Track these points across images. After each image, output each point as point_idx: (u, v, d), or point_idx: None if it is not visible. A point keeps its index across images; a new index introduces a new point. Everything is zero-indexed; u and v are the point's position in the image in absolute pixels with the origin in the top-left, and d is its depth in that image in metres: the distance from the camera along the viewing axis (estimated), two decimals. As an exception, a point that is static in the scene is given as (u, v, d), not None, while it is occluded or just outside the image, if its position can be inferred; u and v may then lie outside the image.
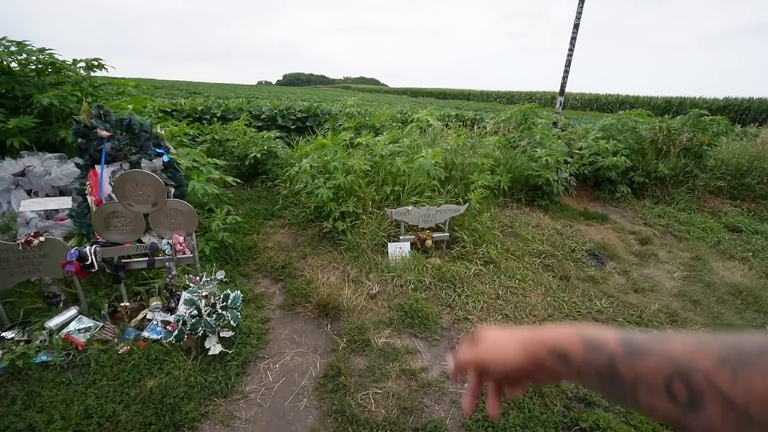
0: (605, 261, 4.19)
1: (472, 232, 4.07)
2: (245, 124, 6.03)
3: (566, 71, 6.61)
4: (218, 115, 7.27)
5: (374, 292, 3.33)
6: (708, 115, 6.50)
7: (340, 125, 5.86)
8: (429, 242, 3.81)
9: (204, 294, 2.62)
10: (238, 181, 4.34)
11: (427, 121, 4.96)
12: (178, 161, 3.39)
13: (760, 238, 5.23)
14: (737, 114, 27.16)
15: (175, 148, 3.67)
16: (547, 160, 5.08)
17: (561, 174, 5.29)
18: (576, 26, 6.30)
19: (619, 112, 6.67)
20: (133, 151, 3.17)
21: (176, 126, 5.50)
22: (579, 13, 6.56)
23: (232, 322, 2.62)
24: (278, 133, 6.58)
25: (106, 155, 3.05)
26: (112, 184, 2.83)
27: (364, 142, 4.45)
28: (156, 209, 2.75)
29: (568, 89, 7.01)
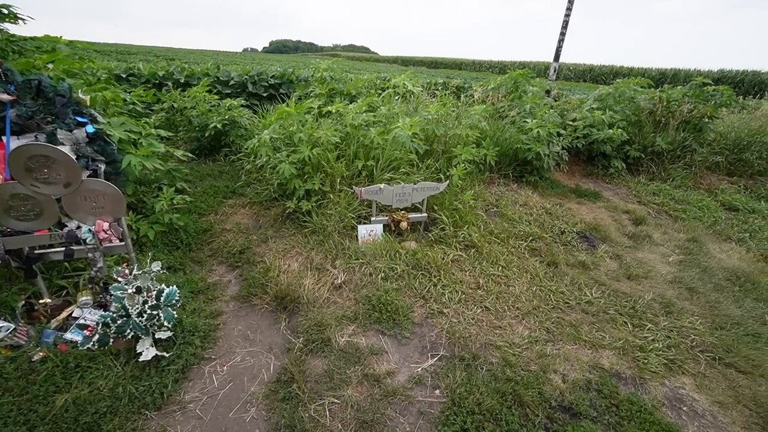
0: (597, 244, 3.88)
1: (453, 213, 3.68)
2: (208, 91, 5.42)
3: (563, 33, 6.02)
4: (182, 81, 6.60)
5: (339, 281, 2.96)
6: (711, 85, 6.06)
7: (311, 91, 5.30)
8: (404, 224, 3.42)
9: (131, 291, 2.21)
10: (189, 155, 3.84)
11: (405, 87, 4.44)
12: (109, 132, 2.89)
13: (757, 217, 4.98)
14: (731, 86, 26.73)
15: (107, 117, 3.15)
16: (538, 131, 4.64)
17: (552, 148, 4.88)
18: (575, -19, 5.67)
19: (617, 80, 6.19)
20: (48, 119, 2.66)
21: (130, 92, 4.92)
22: (579, -32, 5.92)
23: (165, 323, 2.24)
24: (246, 101, 6.01)
25: (12, 124, 2.55)
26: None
27: (335, 111, 3.95)
28: (69, 191, 2.28)
29: (561, 59, 6.45)
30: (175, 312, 2.31)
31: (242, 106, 5.45)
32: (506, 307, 2.87)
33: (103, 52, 23.71)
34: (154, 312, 2.19)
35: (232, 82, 6.74)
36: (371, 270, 3.06)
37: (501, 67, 45.86)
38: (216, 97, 5.26)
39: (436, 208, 3.71)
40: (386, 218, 3.45)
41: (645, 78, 6.55)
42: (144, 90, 5.45)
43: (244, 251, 3.39)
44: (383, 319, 2.67)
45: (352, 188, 3.49)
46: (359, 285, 2.95)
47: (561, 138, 5.12)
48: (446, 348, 2.52)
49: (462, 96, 6.49)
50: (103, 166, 2.83)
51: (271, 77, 6.96)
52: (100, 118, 2.85)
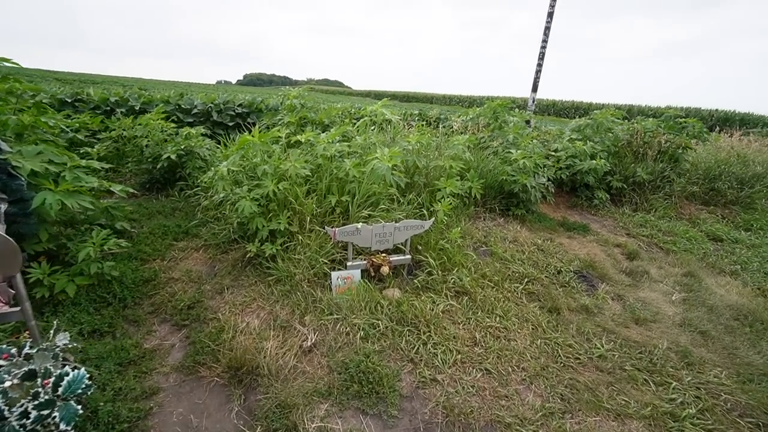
0: (596, 283, 3.54)
1: (440, 253, 3.26)
2: (165, 119, 4.91)
3: (539, 64, 6.03)
4: (137, 108, 6.05)
5: (309, 343, 2.42)
6: (683, 117, 6.16)
7: (279, 120, 4.89)
8: (385, 269, 2.95)
9: (11, 383, 1.60)
10: (130, 189, 3.27)
11: (383, 115, 4.12)
12: (16, 163, 2.32)
13: (742, 248, 4.88)
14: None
15: (21, 144, 2.58)
16: (524, 162, 4.40)
17: (538, 179, 4.63)
18: (550, 14, 5.72)
19: (595, 111, 6.18)
20: (-71, 147, 2.09)
21: (74, 119, 4.39)
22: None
23: (63, 426, 1.62)
24: (210, 131, 5.53)
25: None
26: None
27: (305, 141, 3.53)
28: (-63, 242, 1.69)
29: (526, 93, 6.44)
30: (80, 407, 1.69)
31: (205, 135, 4.96)
32: (510, 369, 2.41)
33: (64, 81, 22.66)
34: (45, 411, 1.58)
35: (195, 111, 6.26)
36: (348, 328, 2.54)
37: (470, 102, 47.75)
38: (173, 125, 4.74)
39: (420, 248, 3.29)
40: (365, 262, 2.97)
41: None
42: (91, 117, 4.89)
43: (194, 306, 2.80)
44: (364, 393, 2.14)
45: (324, 228, 3.02)
46: (334, 347, 2.42)
47: (546, 169, 4.92)
48: (444, 429, 2.01)
49: (440, 126, 6.28)
50: (4, 206, 2.24)
51: (238, 105, 6.53)
52: (4, 146, 2.28)
